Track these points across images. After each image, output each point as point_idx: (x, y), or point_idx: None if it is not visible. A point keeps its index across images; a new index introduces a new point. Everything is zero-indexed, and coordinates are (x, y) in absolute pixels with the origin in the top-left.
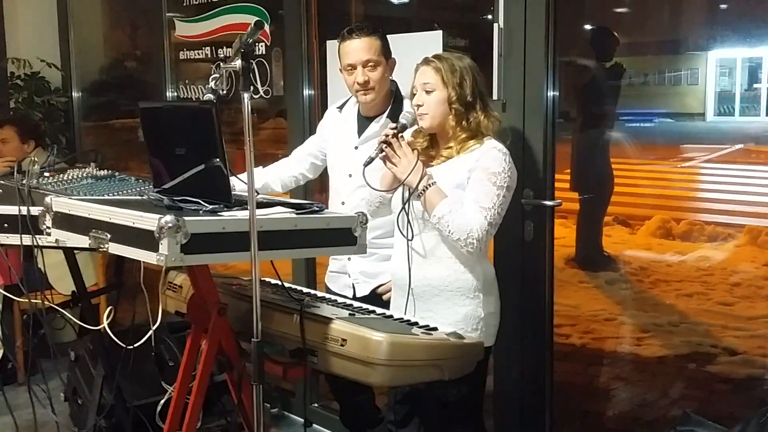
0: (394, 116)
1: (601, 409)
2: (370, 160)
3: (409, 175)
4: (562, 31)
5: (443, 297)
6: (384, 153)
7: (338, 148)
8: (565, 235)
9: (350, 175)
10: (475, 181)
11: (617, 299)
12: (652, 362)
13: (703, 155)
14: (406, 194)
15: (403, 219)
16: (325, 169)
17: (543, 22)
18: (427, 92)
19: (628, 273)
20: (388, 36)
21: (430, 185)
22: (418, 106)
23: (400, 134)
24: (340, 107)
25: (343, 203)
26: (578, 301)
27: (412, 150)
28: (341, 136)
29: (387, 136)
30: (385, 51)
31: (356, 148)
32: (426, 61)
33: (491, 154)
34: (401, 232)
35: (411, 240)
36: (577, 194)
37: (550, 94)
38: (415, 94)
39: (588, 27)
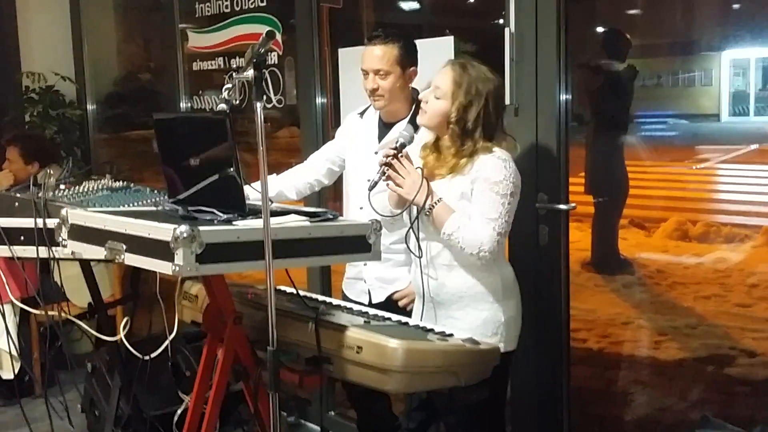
0: (414, 121)
1: (619, 414)
2: (374, 184)
3: (416, 195)
4: (574, 34)
5: (463, 302)
6: (387, 175)
7: (358, 153)
8: (580, 238)
9: (369, 180)
10: (479, 192)
11: (634, 302)
12: (670, 365)
13: (718, 156)
14: (414, 213)
15: (412, 238)
16: (340, 176)
17: (554, 25)
18: (436, 97)
19: (645, 276)
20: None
21: (436, 203)
22: (425, 102)
23: (399, 153)
24: (362, 113)
25: (361, 208)
26: (595, 305)
27: (416, 168)
28: (362, 141)
29: (387, 157)
30: (403, 60)
31: (376, 153)
32: (452, 64)
33: (490, 162)
34: (411, 251)
35: (420, 257)
36: (592, 197)
37: (563, 97)
38: (427, 89)
39: (600, 29)
